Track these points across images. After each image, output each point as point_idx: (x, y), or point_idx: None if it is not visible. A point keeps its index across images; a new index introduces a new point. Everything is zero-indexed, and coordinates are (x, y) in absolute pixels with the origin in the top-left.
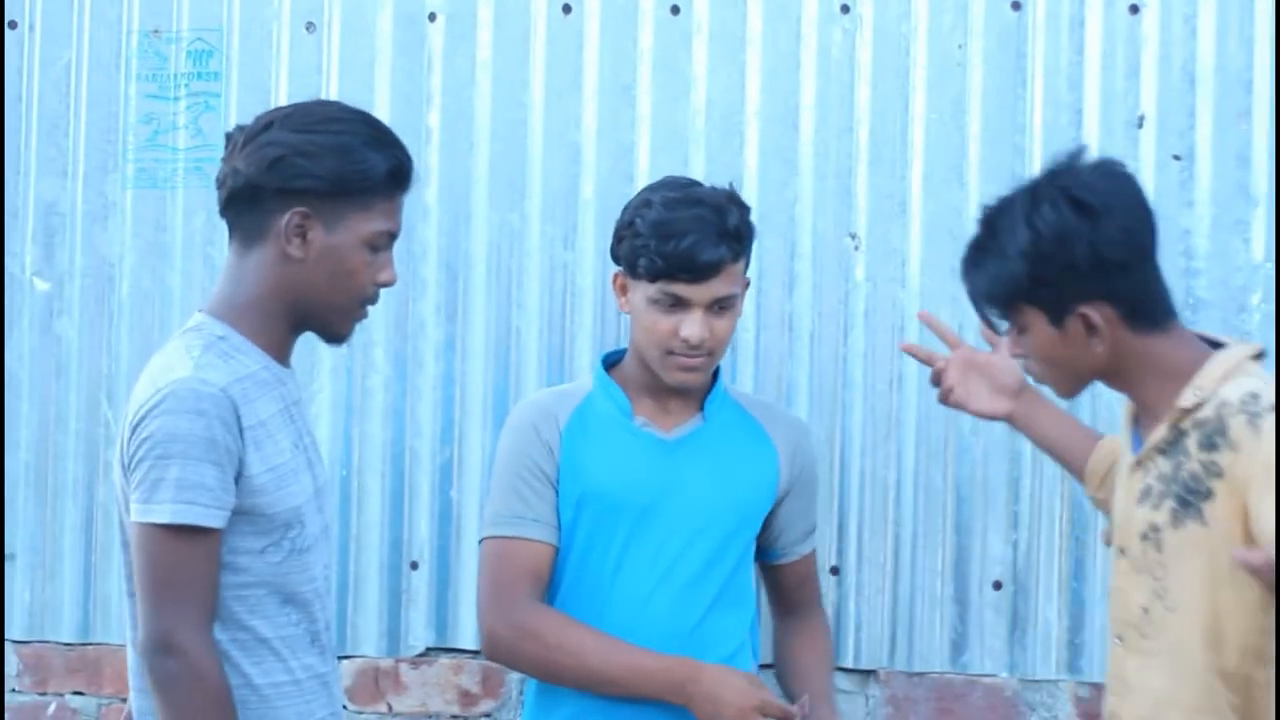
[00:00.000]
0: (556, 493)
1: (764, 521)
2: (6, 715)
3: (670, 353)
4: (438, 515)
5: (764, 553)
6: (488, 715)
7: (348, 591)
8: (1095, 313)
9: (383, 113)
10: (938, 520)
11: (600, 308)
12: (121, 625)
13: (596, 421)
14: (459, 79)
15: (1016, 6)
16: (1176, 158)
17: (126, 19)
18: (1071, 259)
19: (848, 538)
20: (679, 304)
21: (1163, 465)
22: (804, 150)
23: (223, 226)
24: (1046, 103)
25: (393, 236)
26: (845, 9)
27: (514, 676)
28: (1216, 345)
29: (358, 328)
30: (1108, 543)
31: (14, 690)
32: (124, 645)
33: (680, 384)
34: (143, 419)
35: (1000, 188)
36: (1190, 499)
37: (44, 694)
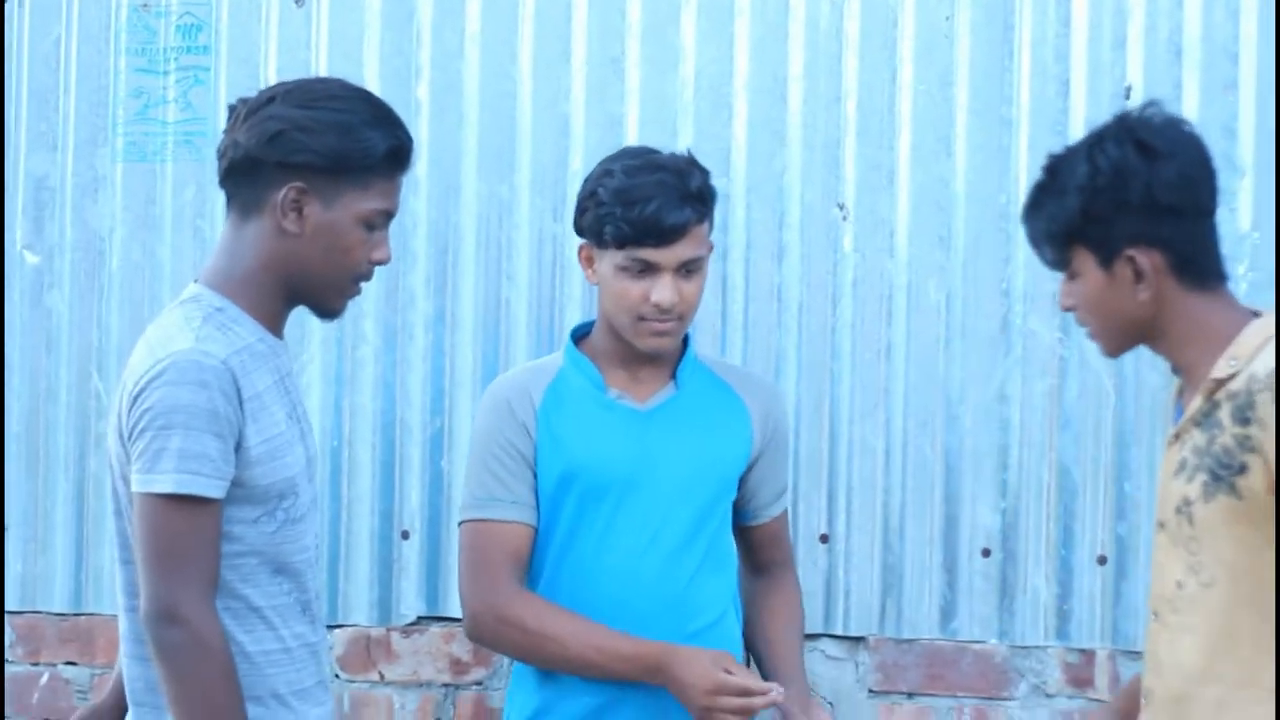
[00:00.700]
0: (534, 472)
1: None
2: None
3: (642, 318)
4: (428, 485)
5: (737, 514)
6: (479, 683)
7: (339, 561)
8: (1144, 257)
9: (372, 86)
10: (926, 489)
11: None
12: (114, 595)
13: (571, 397)
14: (448, 52)
15: None
16: None
17: None
18: (1125, 196)
19: (837, 506)
20: (647, 269)
21: (1198, 438)
22: (792, 121)
23: (213, 200)
24: (1034, 74)
25: (389, 216)
26: None
27: None
28: (1256, 315)
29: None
30: None
31: (8, 660)
32: (115, 615)
33: (653, 349)
34: (144, 389)
35: (987, 159)
36: (1222, 473)
37: (36, 664)
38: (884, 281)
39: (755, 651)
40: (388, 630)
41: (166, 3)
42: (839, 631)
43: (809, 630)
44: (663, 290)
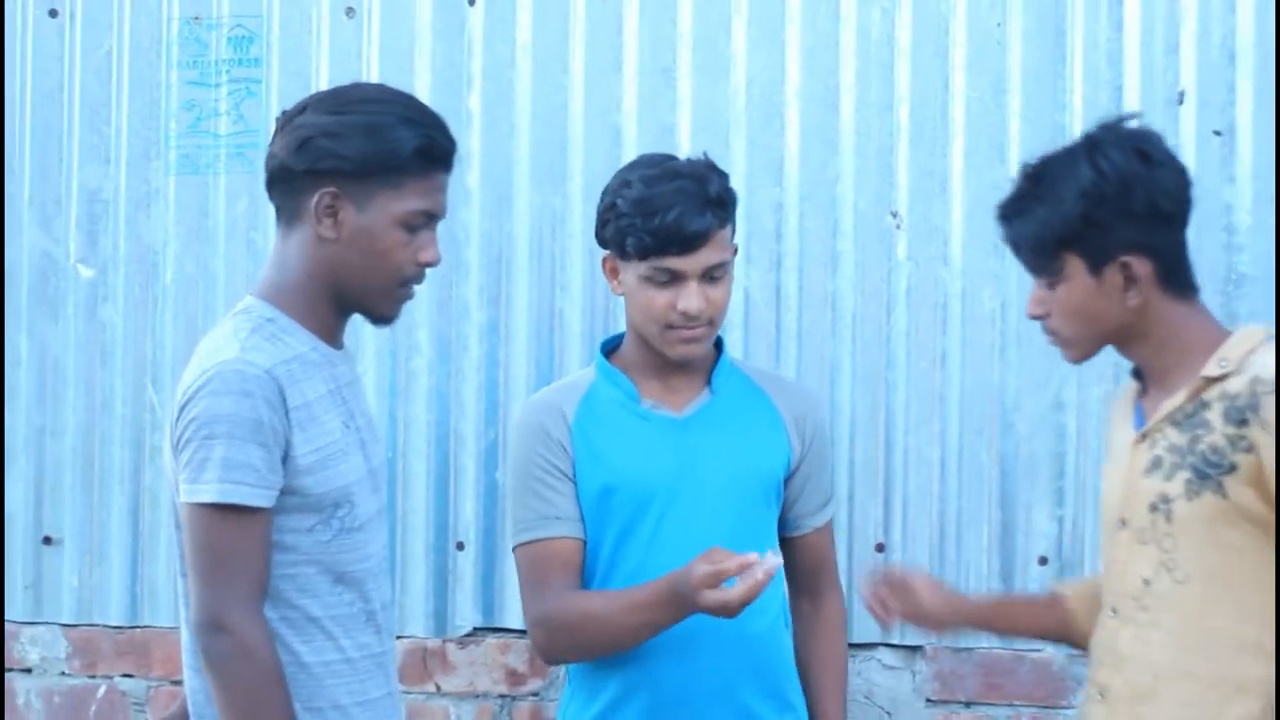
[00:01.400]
0: (575, 486)
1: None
2: (57, 699)
3: (670, 327)
4: (483, 496)
5: (779, 526)
6: (535, 694)
7: (395, 573)
8: (1138, 264)
9: (423, 97)
10: (983, 497)
11: None
12: (170, 607)
13: (605, 410)
14: (499, 62)
15: None
16: (1217, 133)
17: (166, 6)
18: (1129, 203)
19: (893, 515)
20: (673, 278)
21: (1174, 436)
22: (844, 129)
23: (265, 211)
24: (1086, 80)
25: (431, 216)
26: None
27: None
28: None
29: (402, 310)
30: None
31: (63, 673)
32: (173, 628)
33: (683, 357)
34: (189, 400)
35: None
36: (1210, 471)
37: (93, 677)
38: (938, 289)
39: (804, 693)
40: (444, 642)
41: (218, 15)
42: (896, 641)
43: (866, 640)
44: (689, 298)
